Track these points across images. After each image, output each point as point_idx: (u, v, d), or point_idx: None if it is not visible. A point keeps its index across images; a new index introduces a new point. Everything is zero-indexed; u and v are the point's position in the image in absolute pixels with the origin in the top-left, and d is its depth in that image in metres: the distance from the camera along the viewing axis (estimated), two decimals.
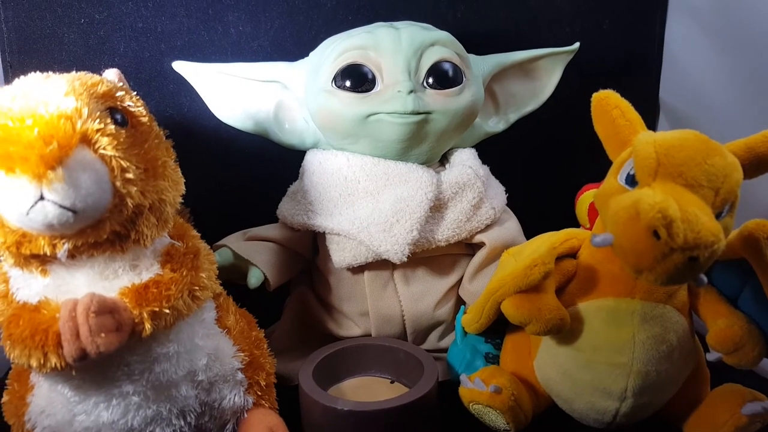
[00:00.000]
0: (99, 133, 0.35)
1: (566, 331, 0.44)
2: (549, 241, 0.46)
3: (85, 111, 0.35)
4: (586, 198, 0.61)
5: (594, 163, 0.56)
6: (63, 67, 0.41)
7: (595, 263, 0.44)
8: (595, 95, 0.44)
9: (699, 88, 0.66)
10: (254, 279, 0.53)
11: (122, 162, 0.35)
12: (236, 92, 0.59)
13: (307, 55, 0.59)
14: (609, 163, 0.44)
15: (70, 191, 0.33)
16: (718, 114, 0.63)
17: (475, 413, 0.47)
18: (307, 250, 0.59)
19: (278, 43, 0.64)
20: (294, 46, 0.63)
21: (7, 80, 0.61)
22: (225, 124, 0.60)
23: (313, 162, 0.57)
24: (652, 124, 0.72)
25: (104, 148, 0.35)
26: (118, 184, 0.35)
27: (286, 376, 0.53)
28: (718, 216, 0.37)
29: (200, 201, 0.50)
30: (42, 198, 0.33)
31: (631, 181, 0.39)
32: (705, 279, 0.39)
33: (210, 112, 0.60)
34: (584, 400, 0.45)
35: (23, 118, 0.33)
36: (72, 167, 0.33)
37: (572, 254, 0.47)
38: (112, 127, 0.36)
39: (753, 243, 0.41)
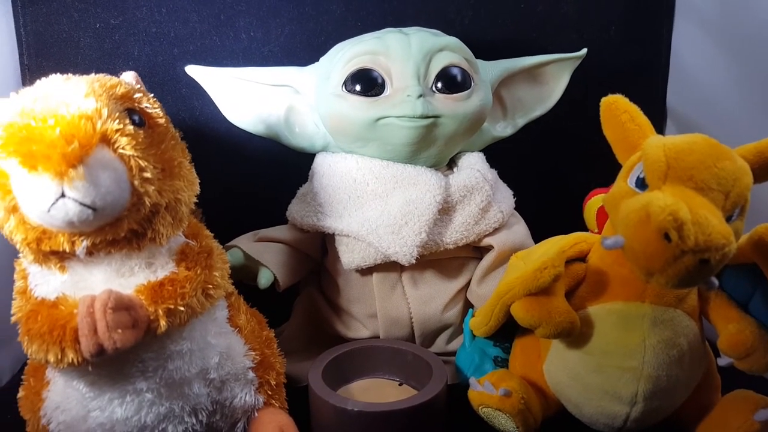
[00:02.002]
0: (118, 133, 0.35)
1: (576, 335, 0.44)
2: (558, 244, 0.46)
3: (105, 112, 0.35)
4: (594, 202, 0.61)
5: (602, 168, 0.56)
6: (79, 70, 0.41)
7: (605, 267, 0.45)
8: (604, 99, 0.44)
9: (706, 93, 0.66)
10: (264, 279, 0.54)
11: (140, 162, 0.36)
12: (248, 96, 0.60)
13: (317, 60, 0.60)
14: (617, 167, 0.44)
15: (91, 189, 0.33)
16: (726, 119, 0.63)
17: (484, 416, 0.47)
18: (317, 251, 0.59)
19: (288, 49, 0.64)
20: (304, 52, 0.64)
21: (25, 83, 0.62)
22: (236, 127, 0.61)
23: (322, 164, 0.58)
24: (659, 130, 0.72)
25: (123, 148, 0.35)
26: (136, 183, 0.36)
27: (294, 377, 0.53)
28: (728, 219, 0.37)
29: (211, 202, 0.51)
30: (63, 195, 0.33)
31: (641, 184, 0.39)
32: (716, 282, 0.39)
33: (221, 115, 0.61)
34: (594, 404, 0.45)
35: (45, 118, 0.34)
36: (92, 166, 0.34)
37: (581, 258, 0.47)
38: (130, 127, 0.37)
39: (763, 247, 0.41)
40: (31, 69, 0.62)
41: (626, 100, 0.43)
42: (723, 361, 0.43)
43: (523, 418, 0.46)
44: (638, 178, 0.40)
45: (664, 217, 0.34)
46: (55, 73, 0.40)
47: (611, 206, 0.41)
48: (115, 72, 0.42)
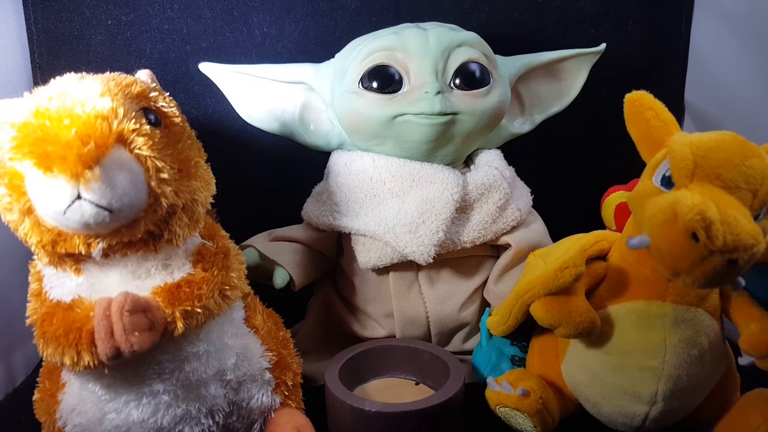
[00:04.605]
0: (135, 133, 0.35)
1: (596, 334, 0.43)
2: (579, 243, 0.46)
3: (121, 111, 0.35)
4: (612, 200, 0.60)
5: (620, 165, 0.56)
6: (90, 68, 0.41)
7: (626, 266, 0.44)
8: (628, 96, 0.43)
9: (725, 89, 0.65)
10: (280, 279, 0.53)
11: (157, 162, 0.36)
12: (262, 93, 0.59)
13: (331, 56, 0.59)
14: (635, 164, 0.43)
15: (107, 191, 0.33)
16: (745, 115, 0.63)
17: (501, 416, 0.47)
18: (332, 250, 0.59)
19: (302, 45, 0.64)
20: (318, 48, 0.63)
21: (36, 81, 0.62)
22: (249, 125, 0.61)
23: (338, 163, 0.57)
24: None
25: (140, 148, 0.35)
26: (153, 184, 0.35)
27: (310, 377, 0.53)
28: (755, 218, 0.37)
29: (225, 201, 0.50)
30: (79, 197, 0.33)
31: (667, 182, 0.39)
32: (742, 282, 0.38)
33: (234, 113, 0.61)
34: (613, 404, 0.45)
35: (60, 118, 0.33)
36: (109, 167, 0.33)
37: (602, 256, 0.46)
38: (147, 127, 0.36)
39: None
40: (43, 67, 0.62)
41: (651, 96, 0.43)
42: (744, 360, 0.43)
43: (541, 418, 0.45)
44: (664, 176, 0.39)
45: (692, 216, 0.34)
46: (67, 71, 0.39)
47: (636, 205, 0.41)
48: (128, 70, 0.42)
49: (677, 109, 0.71)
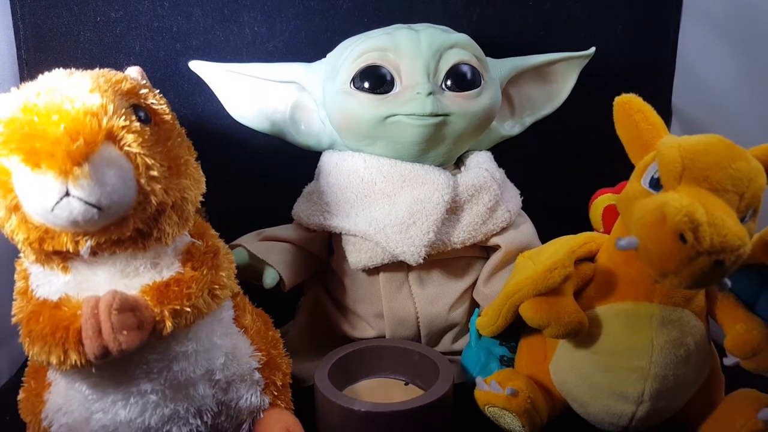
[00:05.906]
0: (124, 130, 0.35)
1: (584, 335, 0.44)
2: (568, 244, 0.46)
3: (111, 108, 0.35)
4: (600, 202, 0.61)
5: (608, 168, 0.57)
6: (79, 65, 0.40)
7: (614, 267, 0.44)
8: (617, 99, 0.44)
9: (712, 93, 0.66)
10: (270, 279, 0.53)
11: (147, 159, 0.35)
12: (252, 93, 0.59)
13: (321, 56, 0.59)
14: (623, 167, 0.44)
15: (96, 188, 0.33)
16: (732, 120, 0.63)
17: (490, 416, 0.47)
18: (323, 250, 0.59)
19: (293, 44, 0.64)
20: (309, 48, 0.63)
21: (23, 77, 0.61)
22: (239, 124, 0.60)
23: (329, 163, 0.57)
24: None
25: (129, 145, 0.35)
26: (142, 181, 0.35)
27: (299, 377, 0.53)
28: (741, 221, 0.37)
29: (215, 201, 0.50)
30: (67, 194, 0.32)
31: (656, 184, 0.39)
32: (728, 283, 0.39)
33: (225, 112, 0.60)
34: (600, 403, 0.45)
35: (49, 114, 0.33)
36: (98, 164, 0.33)
37: (590, 258, 0.46)
38: (137, 124, 0.36)
39: None
40: (30, 63, 0.61)
41: (640, 99, 0.43)
42: (729, 360, 0.43)
43: (529, 418, 0.45)
44: (652, 178, 0.39)
45: (680, 218, 0.34)
46: (54, 67, 0.39)
47: (624, 206, 0.41)
48: (117, 67, 0.41)
49: (665, 113, 0.71)
